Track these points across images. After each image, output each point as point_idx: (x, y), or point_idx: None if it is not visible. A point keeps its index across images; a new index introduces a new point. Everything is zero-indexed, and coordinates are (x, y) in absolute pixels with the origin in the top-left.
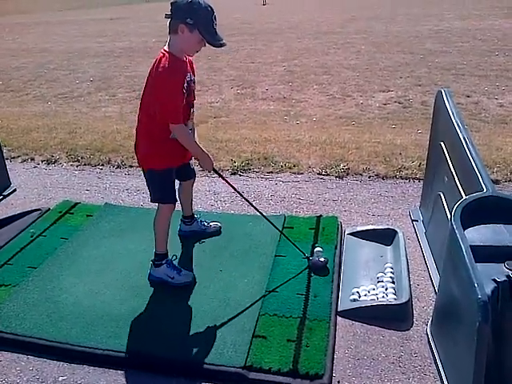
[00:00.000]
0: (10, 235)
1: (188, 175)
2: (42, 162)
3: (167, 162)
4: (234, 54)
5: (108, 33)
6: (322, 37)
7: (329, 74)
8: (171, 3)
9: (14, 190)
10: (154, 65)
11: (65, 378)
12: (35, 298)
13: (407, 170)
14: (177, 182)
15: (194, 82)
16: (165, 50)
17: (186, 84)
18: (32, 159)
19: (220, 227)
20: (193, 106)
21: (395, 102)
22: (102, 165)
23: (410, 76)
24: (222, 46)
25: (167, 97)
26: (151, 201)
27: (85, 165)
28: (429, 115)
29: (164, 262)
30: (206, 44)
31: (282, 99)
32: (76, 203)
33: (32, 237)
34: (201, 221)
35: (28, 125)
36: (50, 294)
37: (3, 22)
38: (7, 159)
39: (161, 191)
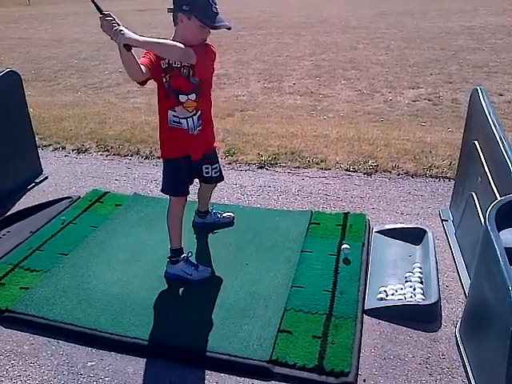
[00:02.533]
0: (42, 222)
1: (203, 178)
2: (73, 150)
3: (171, 151)
4: (261, 47)
5: (137, 24)
6: (350, 31)
7: (357, 70)
8: None
9: (46, 178)
10: None
11: (93, 363)
12: (66, 284)
13: (437, 168)
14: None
15: (181, 68)
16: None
17: (165, 64)
18: (63, 148)
19: (233, 217)
20: (183, 94)
21: (425, 99)
22: (131, 155)
23: (441, 73)
24: (224, 27)
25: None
26: (161, 191)
27: (114, 155)
28: (459, 113)
29: (181, 258)
30: (210, 30)
31: (309, 94)
32: (105, 192)
33: (63, 224)
34: (214, 212)
35: (59, 114)
36: (79, 281)
37: (35, 13)
38: (39, 147)
39: (167, 182)
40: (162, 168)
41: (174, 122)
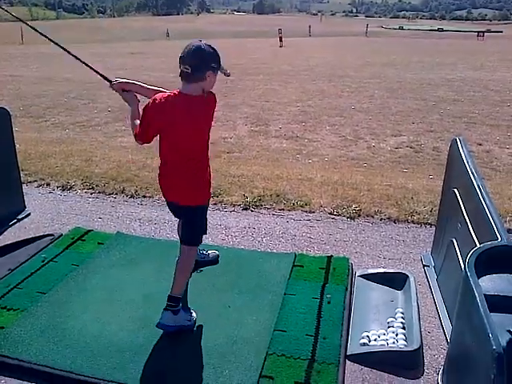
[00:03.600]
0: (22, 259)
1: None
2: (58, 187)
3: (205, 196)
4: (250, 92)
5: (128, 66)
6: (335, 80)
7: (342, 116)
8: (189, 58)
9: (29, 214)
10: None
11: None
12: (43, 324)
13: (419, 214)
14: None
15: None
16: (178, 92)
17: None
18: (48, 184)
19: (218, 255)
20: None
21: (407, 146)
22: (116, 194)
23: (422, 122)
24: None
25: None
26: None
27: (99, 193)
28: (440, 161)
29: (180, 305)
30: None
31: (294, 138)
32: (88, 230)
33: (43, 262)
34: (200, 250)
35: (45, 150)
36: (57, 321)
37: (28, 52)
38: (23, 183)
39: (198, 231)
40: (155, 209)
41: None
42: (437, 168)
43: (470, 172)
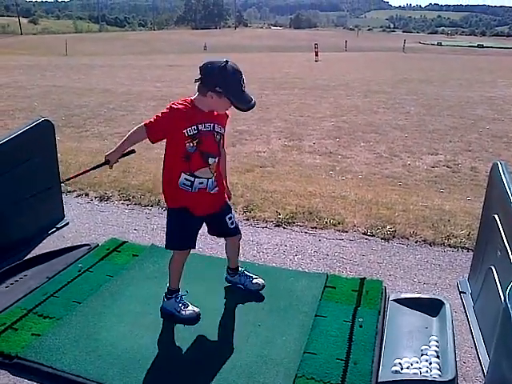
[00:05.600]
0: (59, 267)
1: (224, 231)
2: (95, 198)
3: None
4: (284, 106)
5: (166, 78)
6: (371, 95)
7: (376, 133)
8: (200, 67)
9: (67, 224)
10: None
11: None
12: (77, 333)
13: (456, 238)
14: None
15: (214, 133)
16: (193, 96)
17: (193, 130)
18: (86, 195)
19: (263, 285)
20: (212, 157)
21: (444, 165)
22: (152, 206)
23: (460, 141)
24: (249, 108)
25: (156, 115)
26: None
27: (135, 204)
28: (478, 182)
29: (174, 295)
30: None
31: (328, 154)
32: (123, 242)
33: (80, 271)
34: (244, 274)
35: (85, 161)
36: (91, 331)
37: (71, 63)
38: (63, 193)
39: (169, 234)
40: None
41: (184, 184)
42: (475, 189)
43: (511, 199)
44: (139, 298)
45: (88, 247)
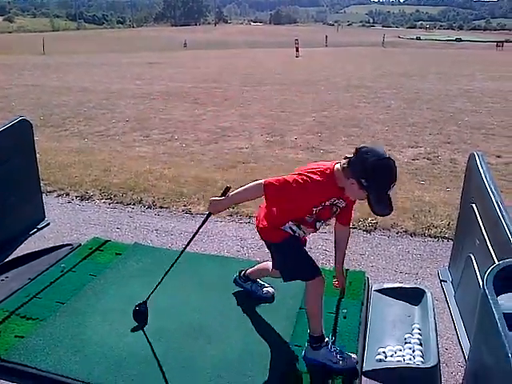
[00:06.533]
0: (41, 268)
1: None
2: (77, 197)
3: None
4: (265, 102)
5: (146, 76)
6: (352, 90)
7: (358, 127)
8: (357, 149)
9: (48, 224)
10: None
11: None
12: (61, 333)
13: (436, 228)
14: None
15: (334, 206)
16: (334, 168)
17: (320, 206)
18: (67, 194)
19: (273, 294)
20: (320, 222)
21: (424, 158)
22: (134, 204)
23: (440, 133)
24: (382, 215)
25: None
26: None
27: (117, 203)
28: (457, 173)
29: (323, 344)
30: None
31: (310, 149)
32: (106, 241)
33: (62, 271)
34: (257, 282)
35: (65, 160)
36: (76, 331)
37: (49, 61)
38: (43, 193)
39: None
40: (171, 220)
41: (289, 228)
42: (454, 180)
43: (488, 188)
44: (123, 296)
45: (70, 247)
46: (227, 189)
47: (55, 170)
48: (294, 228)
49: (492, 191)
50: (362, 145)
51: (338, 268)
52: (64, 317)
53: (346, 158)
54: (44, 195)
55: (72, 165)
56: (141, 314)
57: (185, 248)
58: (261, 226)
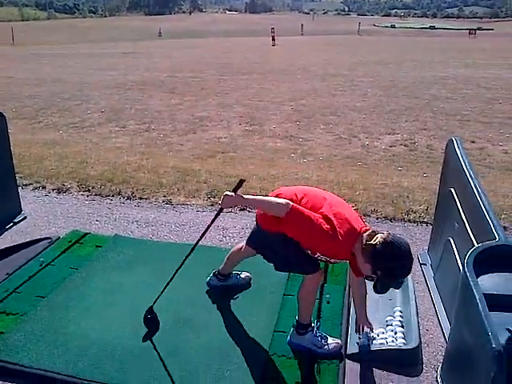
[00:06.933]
0: (20, 263)
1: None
2: (53, 190)
3: None
4: (243, 91)
5: (120, 66)
6: (329, 78)
7: (335, 115)
8: (384, 239)
9: (25, 218)
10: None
11: None
12: (43, 328)
13: (415, 213)
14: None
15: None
16: (360, 236)
17: (323, 259)
18: (43, 187)
19: (250, 278)
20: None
21: (401, 144)
22: (113, 196)
23: (416, 120)
24: (377, 292)
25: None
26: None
27: (95, 195)
28: (434, 159)
29: (309, 330)
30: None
31: (289, 137)
32: (86, 233)
33: (41, 265)
34: (236, 273)
35: (40, 153)
36: (57, 325)
37: (19, 53)
38: (19, 186)
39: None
40: (151, 211)
41: None
42: (431, 166)
43: (466, 172)
44: (105, 289)
45: (49, 240)
46: (241, 181)
47: (30, 163)
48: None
49: (470, 175)
50: (389, 236)
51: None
52: (45, 311)
53: (373, 233)
54: (19, 188)
55: (47, 157)
56: (152, 321)
57: (195, 245)
58: (264, 216)
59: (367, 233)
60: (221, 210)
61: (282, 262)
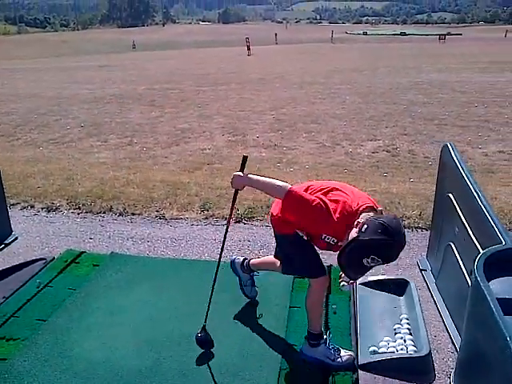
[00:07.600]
0: (15, 286)
1: None
2: (42, 209)
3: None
4: (223, 102)
5: (96, 80)
6: (306, 87)
7: (316, 123)
8: (379, 219)
9: (16, 239)
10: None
11: None
12: (47, 353)
13: (409, 218)
14: None
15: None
16: (358, 213)
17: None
18: (32, 206)
19: (257, 294)
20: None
21: (383, 150)
22: (104, 212)
23: (396, 125)
24: (344, 272)
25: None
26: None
27: (86, 212)
28: (417, 163)
29: (321, 341)
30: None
31: (273, 147)
32: (81, 252)
33: (38, 287)
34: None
35: (23, 170)
36: (61, 349)
37: None
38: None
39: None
40: (146, 227)
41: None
42: (415, 171)
43: (465, 177)
44: (106, 309)
45: (44, 261)
46: (245, 158)
47: (15, 182)
48: (301, 234)
49: (469, 179)
50: (385, 216)
51: None
52: (47, 335)
53: (370, 208)
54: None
55: (32, 175)
56: (205, 341)
57: (222, 246)
58: (276, 216)
59: (365, 210)
60: (236, 192)
61: (289, 263)
